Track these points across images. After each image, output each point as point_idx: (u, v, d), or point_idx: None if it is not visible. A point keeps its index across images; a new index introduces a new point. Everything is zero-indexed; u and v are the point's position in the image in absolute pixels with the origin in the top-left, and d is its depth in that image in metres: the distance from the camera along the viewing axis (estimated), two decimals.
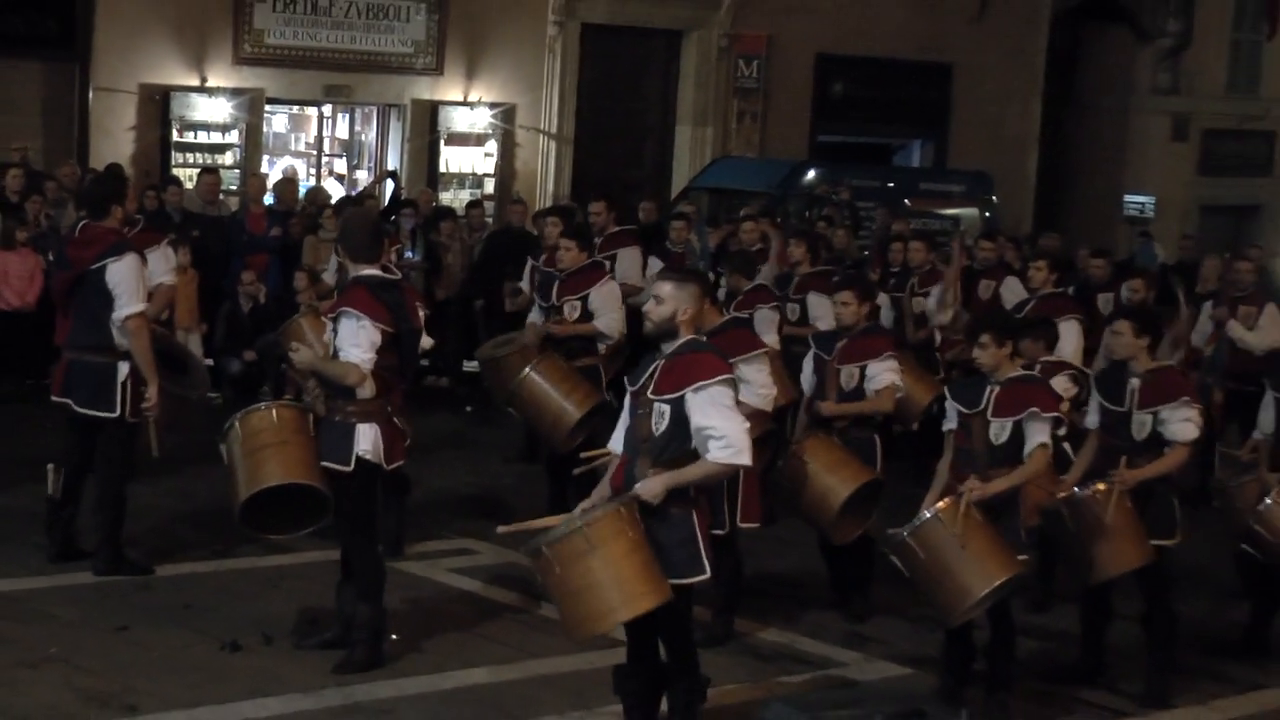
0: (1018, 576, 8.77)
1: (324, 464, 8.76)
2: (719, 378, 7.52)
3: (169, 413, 10.66)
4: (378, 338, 8.70)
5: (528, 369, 11.53)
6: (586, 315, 11.82)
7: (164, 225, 14.83)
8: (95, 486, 10.29)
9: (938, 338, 13.94)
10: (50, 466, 10.36)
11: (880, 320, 12.55)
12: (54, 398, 10.40)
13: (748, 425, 7.59)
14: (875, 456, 10.32)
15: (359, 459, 8.81)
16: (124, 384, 10.03)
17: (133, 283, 9.95)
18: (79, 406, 10.13)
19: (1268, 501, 10.03)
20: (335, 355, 8.78)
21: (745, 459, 7.52)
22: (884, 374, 10.33)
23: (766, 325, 11.69)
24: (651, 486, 7.37)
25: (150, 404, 10.09)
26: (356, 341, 8.66)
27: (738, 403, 7.62)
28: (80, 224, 10.55)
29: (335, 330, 8.79)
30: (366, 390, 8.77)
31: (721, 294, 12.32)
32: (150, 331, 10.17)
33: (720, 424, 7.40)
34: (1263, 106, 29.99)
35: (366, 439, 8.82)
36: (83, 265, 10.07)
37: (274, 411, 8.90)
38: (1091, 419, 9.83)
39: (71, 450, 10.34)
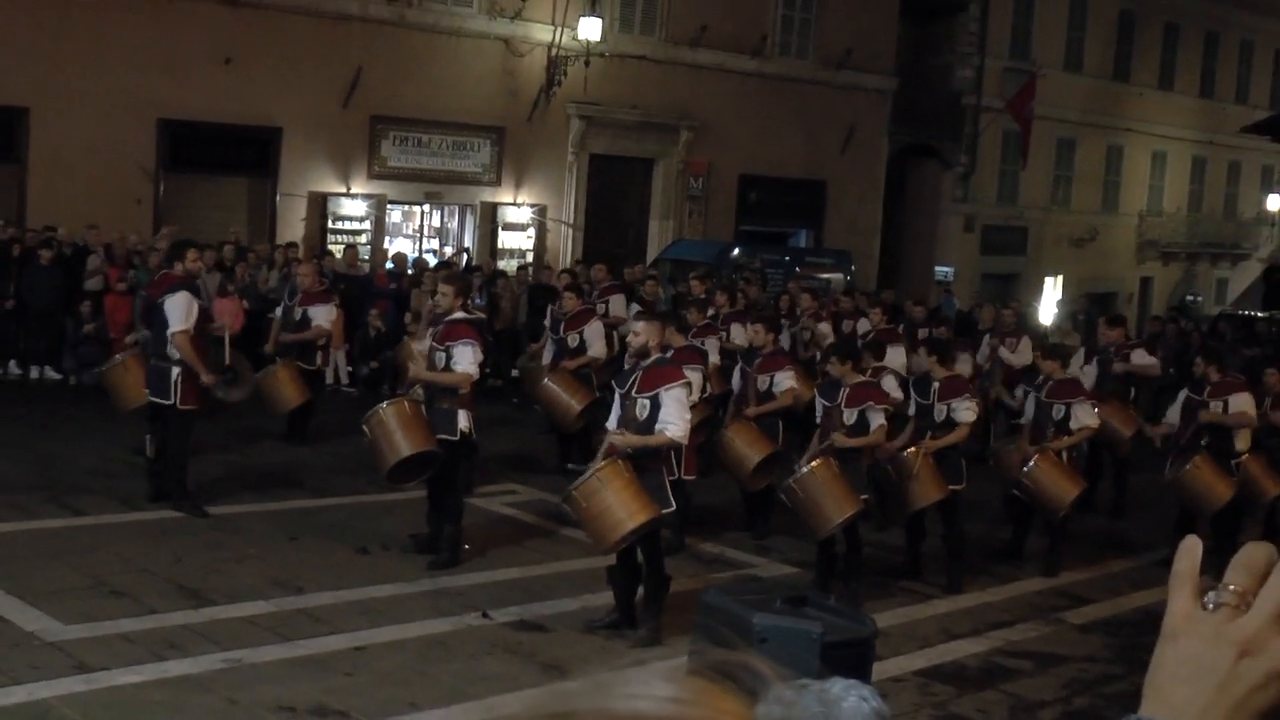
0: (861, 510, 8.84)
1: (439, 436, 8.71)
2: (679, 382, 7.56)
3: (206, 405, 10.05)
4: (481, 356, 8.77)
5: (546, 379, 11.64)
6: (581, 342, 11.82)
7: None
8: (165, 448, 9.68)
9: (817, 356, 13.91)
10: (148, 436, 9.87)
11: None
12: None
13: (689, 417, 7.63)
14: (779, 434, 10.33)
15: (462, 432, 8.82)
16: (176, 381, 9.45)
17: (180, 311, 9.42)
18: (151, 395, 9.64)
19: (1031, 464, 10.04)
20: (449, 367, 8.73)
21: (682, 440, 7.61)
22: (785, 381, 10.34)
23: (711, 348, 11.81)
24: (626, 440, 7.49)
25: (209, 380, 9.57)
26: (473, 360, 8.70)
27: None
28: (161, 273, 10.20)
29: (454, 351, 8.69)
30: (466, 388, 8.78)
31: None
32: (198, 344, 9.54)
33: (674, 415, 7.43)
34: (1020, 211, 30.13)
35: (465, 419, 8.85)
36: (153, 299, 9.79)
37: (405, 404, 8.85)
38: (911, 409, 9.87)
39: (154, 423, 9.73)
